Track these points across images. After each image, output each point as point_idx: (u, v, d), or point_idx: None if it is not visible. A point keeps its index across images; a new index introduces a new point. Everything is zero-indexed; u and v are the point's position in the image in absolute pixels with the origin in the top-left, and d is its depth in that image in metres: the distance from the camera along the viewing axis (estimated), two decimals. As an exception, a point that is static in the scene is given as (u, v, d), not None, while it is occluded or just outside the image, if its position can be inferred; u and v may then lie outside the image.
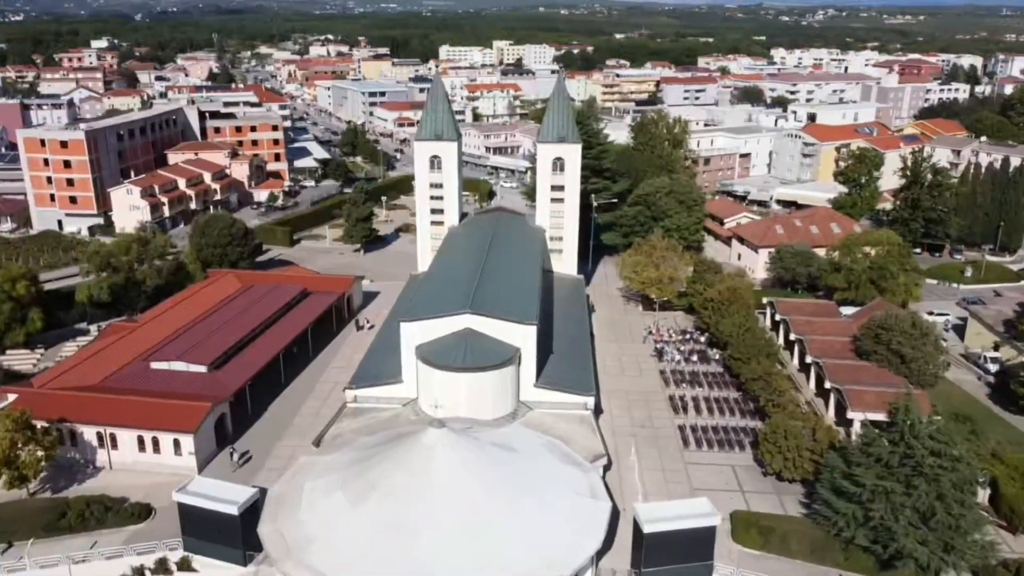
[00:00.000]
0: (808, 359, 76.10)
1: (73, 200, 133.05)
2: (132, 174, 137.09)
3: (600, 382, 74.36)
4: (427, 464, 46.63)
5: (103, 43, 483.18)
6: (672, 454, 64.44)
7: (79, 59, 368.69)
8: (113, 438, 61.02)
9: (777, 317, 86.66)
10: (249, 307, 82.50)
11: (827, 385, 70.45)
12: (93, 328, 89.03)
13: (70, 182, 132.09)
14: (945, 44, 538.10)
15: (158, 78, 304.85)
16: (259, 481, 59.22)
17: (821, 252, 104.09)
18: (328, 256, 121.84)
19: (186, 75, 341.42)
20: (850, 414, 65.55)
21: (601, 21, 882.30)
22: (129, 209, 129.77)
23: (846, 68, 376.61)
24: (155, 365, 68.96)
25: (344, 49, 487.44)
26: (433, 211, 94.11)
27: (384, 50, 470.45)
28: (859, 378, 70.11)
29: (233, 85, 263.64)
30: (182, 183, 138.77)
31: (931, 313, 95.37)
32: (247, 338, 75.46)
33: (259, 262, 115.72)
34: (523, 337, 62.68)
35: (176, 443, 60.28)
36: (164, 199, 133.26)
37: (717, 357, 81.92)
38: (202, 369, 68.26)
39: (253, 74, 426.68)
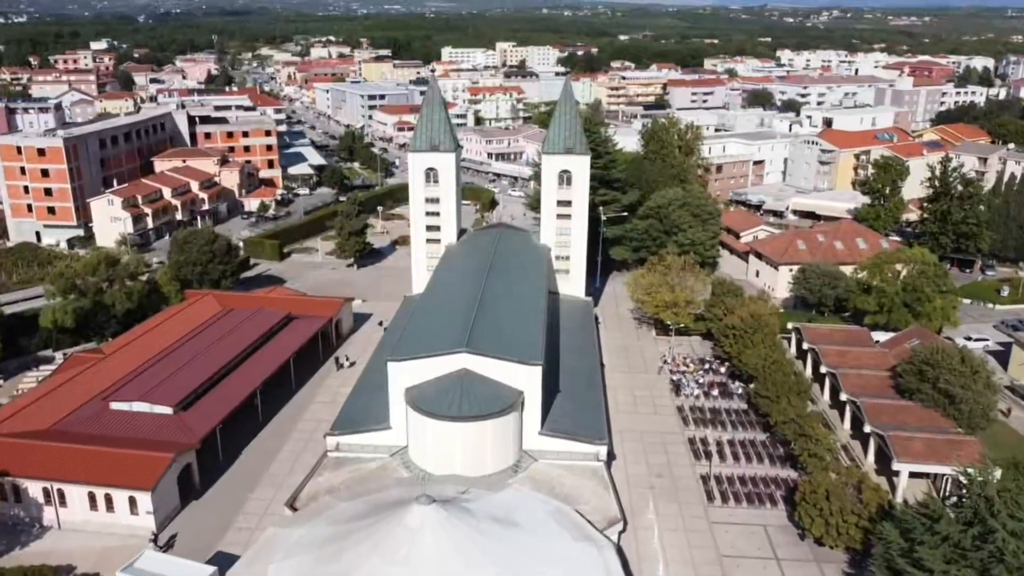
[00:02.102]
0: (843, 396, 68.55)
1: (51, 211, 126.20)
2: (115, 183, 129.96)
3: (611, 419, 67.18)
4: (412, 551, 39.31)
5: (102, 44, 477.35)
6: (695, 510, 57.02)
7: (74, 61, 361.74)
8: (61, 494, 53.81)
9: (805, 345, 79.13)
10: (227, 334, 75.23)
11: (867, 429, 62.93)
12: (59, 355, 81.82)
13: (48, 192, 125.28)
14: (953, 46, 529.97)
15: (153, 80, 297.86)
16: (227, 543, 52.29)
17: (846, 269, 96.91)
18: (319, 271, 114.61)
19: (183, 77, 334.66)
20: (896, 465, 58.03)
21: (604, 22, 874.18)
22: (110, 220, 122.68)
23: (856, 70, 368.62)
24: (115, 406, 61.71)
25: (346, 51, 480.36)
26: (429, 228, 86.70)
27: (386, 52, 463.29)
28: (902, 420, 62.69)
29: (227, 88, 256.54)
30: (167, 192, 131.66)
31: (969, 339, 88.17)
32: (222, 371, 68.23)
33: (246, 278, 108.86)
34: (527, 379, 55.39)
35: (132, 501, 53.08)
36: (148, 210, 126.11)
37: (740, 391, 74.52)
38: (167, 410, 60.99)
39: (253, 76, 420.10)
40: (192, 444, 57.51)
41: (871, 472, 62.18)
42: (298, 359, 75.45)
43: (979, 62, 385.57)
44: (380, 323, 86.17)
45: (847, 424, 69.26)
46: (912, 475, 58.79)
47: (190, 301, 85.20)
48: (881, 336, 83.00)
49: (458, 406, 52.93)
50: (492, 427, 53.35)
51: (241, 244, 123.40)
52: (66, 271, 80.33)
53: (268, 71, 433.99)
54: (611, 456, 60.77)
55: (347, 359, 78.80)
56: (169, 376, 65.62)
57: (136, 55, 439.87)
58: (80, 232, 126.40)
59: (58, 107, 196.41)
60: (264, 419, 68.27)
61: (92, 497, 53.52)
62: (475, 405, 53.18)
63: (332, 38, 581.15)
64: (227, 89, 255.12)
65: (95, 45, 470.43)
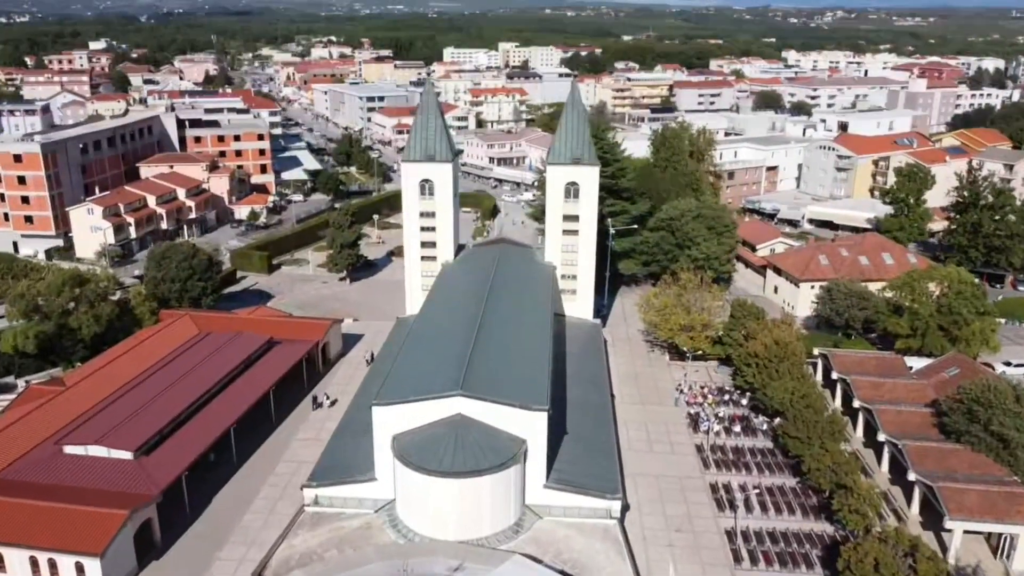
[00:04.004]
0: (881, 437, 61.76)
1: (29, 220, 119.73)
2: (97, 190, 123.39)
3: (624, 460, 60.51)
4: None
5: (101, 44, 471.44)
6: (721, 573, 50.29)
7: (68, 61, 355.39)
8: (0, 559, 47.23)
9: (834, 375, 72.34)
10: (201, 363, 68.65)
11: (911, 477, 56.14)
12: (21, 383, 75.10)
13: (25, 200, 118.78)
14: (960, 47, 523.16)
15: (147, 81, 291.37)
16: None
17: (872, 286, 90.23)
18: (309, 285, 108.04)
19: (181, 78, 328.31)
20: (949, 523, 51.26)
21: (608, 22, 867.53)
22: (91, 230, 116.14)
23: (866, 72, 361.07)
24: (69, 450, 55.14)
25: (347, 51, 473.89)
26: (424, 244, 79.92)
27: (387, 52, 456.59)
28: (950, 466, 56.02)
29: (222, 90, 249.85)
30: (152, 200, 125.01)
31: (1008, 364, 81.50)
32: (193, 406, 61.67)
33: (231, 293, 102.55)
34: (530, 426, 48.74)
35: (79, 568, 46.49)
36: (130, 219, 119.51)
37: (764, 427, 67.80)
38: (127, 455, 54.41)
39: (252, 77, 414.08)
40: (151, 497, 50.88)
41: (915, 523, 55.64)
42: (280, 389, 68.90)
43: (990, 63, 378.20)
44: (366, 359, 78.04)
45: (885, 466, 62.51)
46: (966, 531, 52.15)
47: (165, 323, 78.61)
48: (914, 361, 76.33)
49: (451, 459, 46.27)
50: (490, 483, 46.69)
51: (227, 255, 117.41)
52: (27, 292, 73.62)
53: (268, 71, 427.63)
54: (624, 506, 54.10)
55: (327, 397, 70.38)
56: (133, 414, 59.00)
57: (134, 55, 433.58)
58: (60, 242, 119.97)
59: (45, 109, 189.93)
60: (239, 459, 61.71)
61: (34, 563, 46.99)
62: (471, 458, 46.51)
63: (333, 38, 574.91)
64: (220, 91, 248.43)
65: (94, 45, 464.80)
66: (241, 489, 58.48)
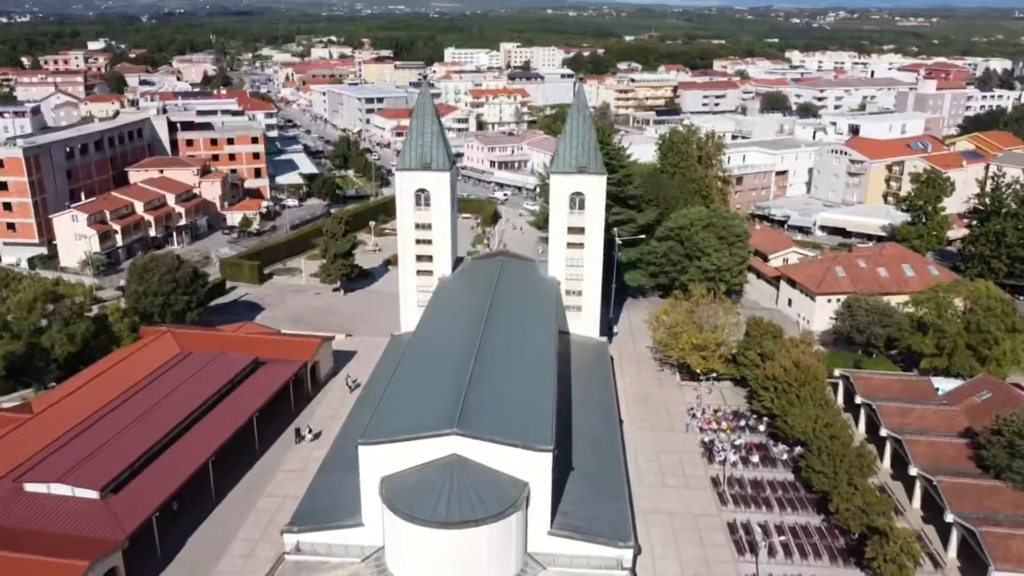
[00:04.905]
0: (912, 471, 57.07)
1: (11, 227, 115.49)
2: (83, 196, 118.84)
3: (633, 494, 55.76)
4: None
5: (100, 44, 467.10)
6: (743, 631, 45.71)
7: (64, 62, 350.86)
8: (-55, 615, 42.71)
9: (857, 399, 67.64)
10: (179, 387, 64.01)
11: (948, 518, 51.44)
12: (-10, 406, 70.62)
13: (7, 206, 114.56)
14: (963, 47, 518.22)
15: (143, 82, 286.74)
16: None
17: (891, 299, 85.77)
18: (301, 297, 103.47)
19: (178, 79, 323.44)
20: (994, 574, 46.57)
21: (610, 23, 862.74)
22: (75, 238, 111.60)
23: (872, 73, 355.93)
24: (30, 487, 50.55)
25: (347, 51, 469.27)
26: (419, 258, 75.19)
27: (388, 52, 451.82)
28: (991, 506, 51.47)
29: (216, 92, 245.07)
30: (140, 207, 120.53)
31: (1041, 385, 76.63)
32: (169, 437, 57.08)
33: (219, 305, 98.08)
34: (534, 468, 44.14)
35: (32, 626, 41.85)
36: (116, 226, 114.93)
37: (784, 457, 63.14)
38: (92, 495, 49.82)
39: (251, 77, 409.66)
40: (117, 543, 46.29)
41: (953, 568, 51.01)
42: (265, 414, 64.31)
43: (996, 64, 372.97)
44: (348, 385, 72.76)
45: (916, 502, 57.79)
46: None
47: (145, 341, 73.86)
48: (941, 382, 71.61)
49: (445, 507, 41.65)
50: (488, 533, 42.07)
51: (217, 264, 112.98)
52: (-6, 310, 69.20)
53: (267, 72, 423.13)
54: (636, 551, 49.40)
55: (309, 431, 64.71)
56: (102, 446, 54.43)
57: (132, 55, 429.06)
58: (43, 250, 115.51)
59: (35, 111, 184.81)
60: (218, 494, 57.06)
61: (-18, 620, 42.44)
62: (467, 505, 41.89)
63: (334, 38, 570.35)
64: (216, 92, 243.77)
65: (93, 45, 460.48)
66: (218, 529, 53.82)
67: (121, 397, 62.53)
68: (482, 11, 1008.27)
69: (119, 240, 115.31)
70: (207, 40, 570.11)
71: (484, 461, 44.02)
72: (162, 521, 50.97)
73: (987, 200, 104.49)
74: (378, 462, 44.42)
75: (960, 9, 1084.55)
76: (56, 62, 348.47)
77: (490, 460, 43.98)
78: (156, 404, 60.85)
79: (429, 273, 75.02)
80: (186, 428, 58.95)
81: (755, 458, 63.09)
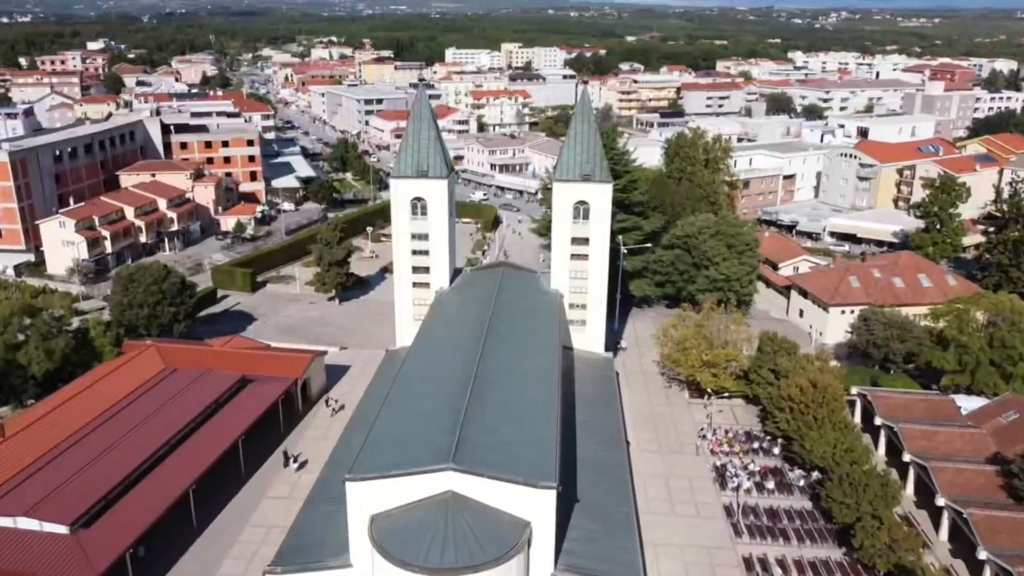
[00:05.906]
0: (939, 501, 53.53)
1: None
2: (72, 201, 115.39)
3: (641, 525, 52.19)
4: None
5: (99, 45, 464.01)
6: None
7: (61, 62, 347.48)
8: None
9: (877, 420, 64.14)
10: (162, 407, 60.67)
11: (981, 555, 47.92)
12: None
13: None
14: (967, 48, 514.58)
15: (140, 83, 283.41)
16: None
17: (907, 310, 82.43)
18: (295, 306, 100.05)
19: (177, 79, 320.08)
20: (1035, 620, 43.15)
21: (611, 23, 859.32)
22: (63, 244, 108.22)
23: (877, 74, 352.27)
24: (-5, 522, 47.16)
25: (348, 52, 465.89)
26: (416, 269, 71.69)
27: (388, 53, 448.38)
28: (1027, 542, 47.88)
29: (212, 93, 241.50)
30: (130, 212, 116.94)
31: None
32: (147, 463, 53.63)
33: (210, 315, 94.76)
34: (537, 506, 40.61)
35: None
36: (106, 232, 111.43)
37: (801, 483, 59.62)
38: (62, 530, 46.36)
39: (251, 78, 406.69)
40: (87, 584, 42.91)
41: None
42: (252, 435, 60.87)
43: (1002, 65, 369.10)
44: (332, 408, 69.24)
45: (944, 534, 54.26)
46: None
47: (128, 356, 70.34)
48: (964, 400, 68.13)
49: (440, 552, 38.14)
50: (488, 579, 38.52)
51: (209, 271, 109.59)
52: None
53: (266, 72, 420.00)
54: (645, 589, 46.00)
55: (294, 460, 60.90)
56: (75, 474, 51.05)
57: (131, 56, 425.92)
58: (30, 257, 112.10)
59: (28, 112, 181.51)
60: (199, 524, 53.61)
61: (-64, 673, 39.01)
62: (464, 549, 38.38)
63: (334, 39, 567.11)
64: (212, 93, 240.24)
65: (92, 45, 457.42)
66: (199, 563, 50.38)
67: (99, 419, 59.08)
68: (483, 11, 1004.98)
69: (108, 247, 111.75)
70: (207, 40, 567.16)
71: (482, 499, 40.50)
72: (137, 557, 47.55)
73: (1004, 207, 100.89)
74: (367, 499, 40.94)
75: (962, 10, 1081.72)
76: (53, 63, 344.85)
77: (489, 498, 40.48)
78: (136, 427, 57.44)
79: (426, 285, 71.47)
80: (167, 453, 55.55)
81: (770, 484, 59.59)
